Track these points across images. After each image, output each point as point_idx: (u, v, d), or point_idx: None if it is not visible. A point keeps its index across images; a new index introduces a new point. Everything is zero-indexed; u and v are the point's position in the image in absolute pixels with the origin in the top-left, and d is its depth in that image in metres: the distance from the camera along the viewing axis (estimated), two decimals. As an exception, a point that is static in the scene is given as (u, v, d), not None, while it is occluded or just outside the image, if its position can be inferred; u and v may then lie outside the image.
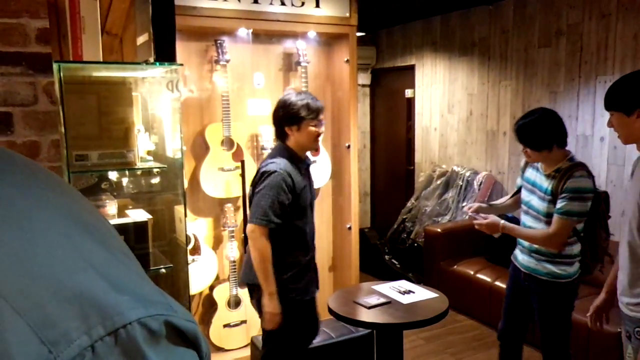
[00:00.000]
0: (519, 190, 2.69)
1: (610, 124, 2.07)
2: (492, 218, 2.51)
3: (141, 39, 2.19)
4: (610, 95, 2.04)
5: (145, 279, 0.40)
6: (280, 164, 2.35)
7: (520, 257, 2.60)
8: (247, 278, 2.48)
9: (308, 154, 2.56)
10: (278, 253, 2.37)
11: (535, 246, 2.50)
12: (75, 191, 0.48)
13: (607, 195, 2.47)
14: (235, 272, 3.50)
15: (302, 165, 2.45)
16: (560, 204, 2.34)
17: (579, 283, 2.53)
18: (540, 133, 2.38)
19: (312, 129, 2.39)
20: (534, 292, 2.55)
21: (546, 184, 2.43)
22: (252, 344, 3.23)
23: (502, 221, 2.50)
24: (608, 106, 2.05)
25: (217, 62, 3.38)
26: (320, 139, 2.49)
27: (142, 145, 2.18)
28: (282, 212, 2.31)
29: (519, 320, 2.70)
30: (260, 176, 2.36)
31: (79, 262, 0.36)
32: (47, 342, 0.31)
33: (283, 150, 2.43)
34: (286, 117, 2.39)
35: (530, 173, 2.56)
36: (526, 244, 2.56)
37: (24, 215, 0.37)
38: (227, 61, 3.35)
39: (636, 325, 1.98)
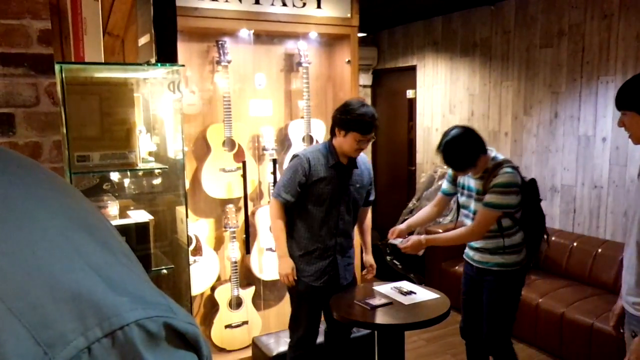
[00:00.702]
0: (448, 195, 2.87)
1: (621, 123, 2.04)
2: (413, 238, 2.72)
3: (143, 40, 2.20)
4: (623, 94, 2.00)
5: (145, 280, 0.40)
6: (306, 151, 2.69)
7: (472, 253, 2.75)
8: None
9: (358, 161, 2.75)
10: (295, 230, 2.71)
11: (479, 245, 2.67)
12: (76, 191, 0.48)
13: (534, 181, 2.65)
14: (236, 272, 3.50)
15: (336, 162, 2.63)
16: (485, 198, 2.53)
17: (527, 270, 2.71)
18: (462, 157, 2.54)
19: (354, 140, 2.56)
20: (487, 283, 2.68)
21: (477, 185, 2.60)
22: (254, 344, 3.23)
23: (423, 236, 2.73)
24: (620, 105, 2.01)
25: (218, 62, 3.38)
26: (359, 151, 2.65)
27: (143, 146, 2.18)
28: (297, 191, 2.61)
29: (478, 315, 2.80)
30: (290, 160, 2.73)
31: (77, 262, 0.36)
32: (42, 343, 0.31)
33: (324, 144, 2.70)
34: (340, 120, 2.58)
35: (462, 178, 2.72)
36: (472, 244, 2.73)
37: (24, 215, 0.37)
38: (229, 62, 3.35)
39: None
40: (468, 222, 2.68)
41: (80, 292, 0.33)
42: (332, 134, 2.65)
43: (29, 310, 0.32)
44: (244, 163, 3.40)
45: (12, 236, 0.35)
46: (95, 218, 0.44)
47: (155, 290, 0.39)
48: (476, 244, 2.70)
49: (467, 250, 2.82)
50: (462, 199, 2.73)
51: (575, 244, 3.90)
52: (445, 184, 2.87)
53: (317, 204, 2.63)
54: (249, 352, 3.39)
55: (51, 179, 0.45)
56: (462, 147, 2.52)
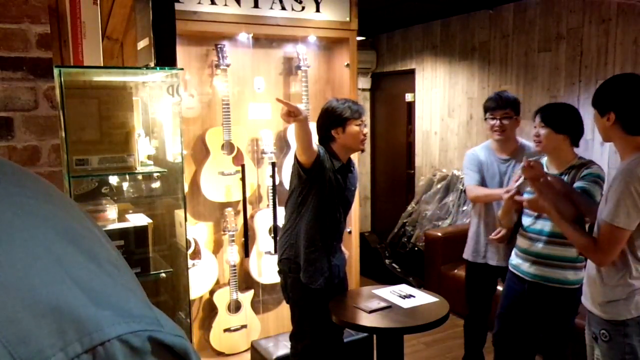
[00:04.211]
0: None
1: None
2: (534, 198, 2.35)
3: (142, 44, 2.20)
4: (595, 92, 2.06)
5: (132, 290, 0.38)
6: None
7: (525, 266, 2.49)
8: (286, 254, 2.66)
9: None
10: (299, 233, 2.59)
11: (546, 252, 2.41)
12: (64, 198, 0.46)
13: None
14: (235, 276, 3.50)
15: (341, 165, 2.60)
16: (580, 184, 2.30)
17: None
18: (564, 116, 2.40)
19: (356, 128, 2.55)
20: (540, 301, 2.46)
21: None
22: (253, 348, 3.23)
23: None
24: (592, 102, 2.08)
25: (217, 66, 3.39)
26: (365, 141, 2.63)
27: (142, 149, 2.18)
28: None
29: (517, 328, 2.64)
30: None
31: (58, 274, 0.34)
32: (19, 359, 0.30)
33: (322, 149, 2.56)
34: (331, 120, 2.56)
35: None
36: (532, 250, 2.45)
37: (3, 225, 0.35)
38: (228, 65, 3.35)
39: (602, 327, 1.96)
40: (529, 220, 2.50)
41: (59, 305, 0.32)
42: (328, 140, 2.60)
43: (5, 324, 0.30)
44: (243, 166, 3.40)
45: None
46: (82, 226, 0.42)
47: (142, 301, 0.37)
48: (538, 250, 2.44)
49: (518, 260, 2.55)
50: (529, 196, 2.49)
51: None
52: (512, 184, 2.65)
53: (322, 205, 2.59)
54: (247, 356, 3.38)
55: (38, 186, 0.44)
56: (571, 110, 2.42)
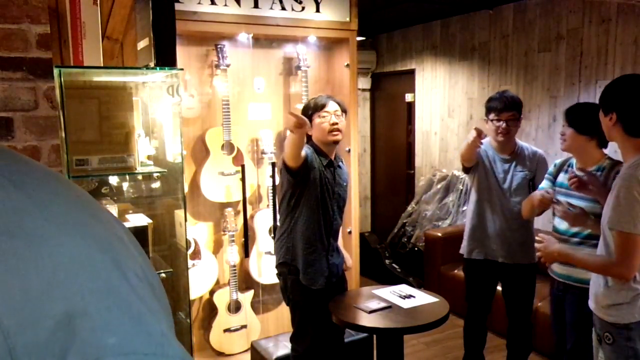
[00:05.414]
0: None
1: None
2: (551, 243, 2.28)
3: (142, 44, 2.20)
4: (602, 91, 2.05)
5: (150, 310, 0.39)
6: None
7: (554, 265, 2.51)
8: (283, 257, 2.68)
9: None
10: (295, 232, 2.62)
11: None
12: (93, 203, 0.47)
13: None
14: (235, 276, 3.50)
15: (327, 161, 2.64)
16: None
17: None
18: (588, 118, 2.31)
19: (319, 119, 2.62)
20: (568, 300, 2.47)
21: None
22: (253, 348, 3.23)
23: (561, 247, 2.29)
24: (599, 101, 2.07)
25: (217, 66, 3.39)
26: (336, 132, 2.62)
27: (142, 149, 2.18)
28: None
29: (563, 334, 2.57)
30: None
31: (79, 287, 0.35)
32: None
33: (307, 147, 2.61)
34: (305, 116, 2.58)
35: (563, 177, 2.52)
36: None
37: (34, 232, 0.37)
38: (228, 66, 3.35)
39: (606, 330, 1.95)
40: (563, 226, 2.46)
41: (71, 322, 0.33)
42: (310, 138, 2.66)
43: (18, 330, 0.32)
44: (242, 167, 3.40)
45: (18, 253, 0.35)
46: (111, 232, 0.43)
47: (155, 322, 0.38)
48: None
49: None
50: (560, 199, 2.48)
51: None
52: (545, 183, 2.65)
53: (315, 205, 2.61)
54: (247, 356, 3.38)
55: (69, 192, 0.44)
56: (595, 109, 2.21)
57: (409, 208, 5.32)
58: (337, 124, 2.62)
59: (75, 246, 0.38)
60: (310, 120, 2.60)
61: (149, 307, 0.39)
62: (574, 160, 2.55)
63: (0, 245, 0.35)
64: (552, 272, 2.55)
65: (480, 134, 2.68)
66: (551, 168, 2.70)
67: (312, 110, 2.65)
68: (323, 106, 2.64)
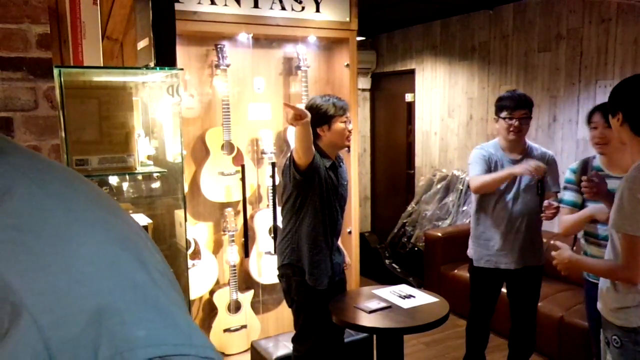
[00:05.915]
0: (576, 207, 2.55)
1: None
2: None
3: (141, 44, 2.20)
4: (611, 91, 2.03)
5: (174, 303, 0.40)
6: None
7: None
8: (287, 259, 2.63)
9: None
10: (300, 233, 2.58)
11: (595, 252, 2.44)
12: (111, 201, 0.48)
13: None
14: (235, 276, 3.50)
15: (330, 163, 2.58)
16: None
17: None
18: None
19: (342, 125, 2.55)
20: (593, 299, 2.44)
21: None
22: (253, 348, 3.23)
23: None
24: (608, 100, 2.05)
25: (217, 66, 3.39)
26: (350, 137, 2.62)
27: (142, 149, 2.18)
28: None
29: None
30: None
31: (106, 283, 0.36)
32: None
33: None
34: (316, 118, 2.49)
35: None
36: (589, 251, 2.49)
37: (59, 229, 0.38)
38: (228, 66, 3.35)
39: (614, 333, 1.94)
40: (604, 230, 2.42)
41: (101, 317, 0.34)
42: (314, 138, 2.54)
43: (52, 327, 0.33)
44: (242, 167, 3.40)
45: (46, 251, 0.36)
46: (131, 230, 0.44)
47: (182, 317, 0.38)
48: (593, 251, 2.46)
49: None
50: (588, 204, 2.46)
51: (574, 247, 3.90)
52: (569, 195, 2.58)
53: (320, 206, 2.59)
54: (247, 356, 3.38)
55: (88, 189, 0.45)
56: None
57: (409, 208, 5.32)
58: (351, 129, 2.62)
59: (99, 243, 0.39)
60: (329, 123, 2.54)
61: (173, 300, 0.40)
62: (597, 163, 2.47)
63: (28, 244, 0.36)
64: (588, 275, 2.54)
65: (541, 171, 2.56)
66: (570, 176, 2.62)
67: (334, 112, 2.55)
68: (345, 111, 2.58)
